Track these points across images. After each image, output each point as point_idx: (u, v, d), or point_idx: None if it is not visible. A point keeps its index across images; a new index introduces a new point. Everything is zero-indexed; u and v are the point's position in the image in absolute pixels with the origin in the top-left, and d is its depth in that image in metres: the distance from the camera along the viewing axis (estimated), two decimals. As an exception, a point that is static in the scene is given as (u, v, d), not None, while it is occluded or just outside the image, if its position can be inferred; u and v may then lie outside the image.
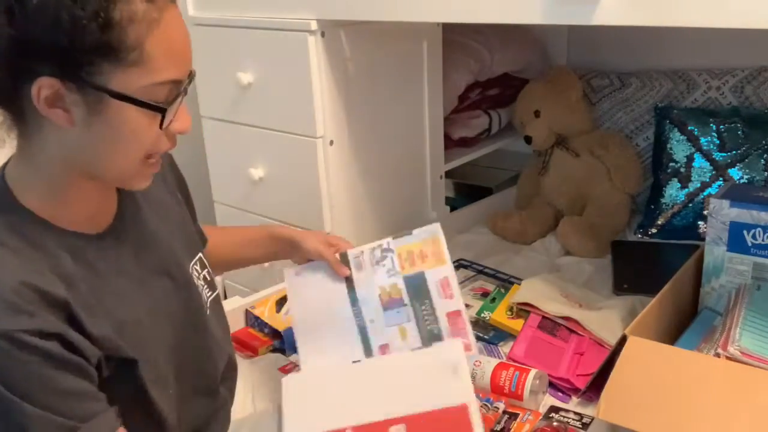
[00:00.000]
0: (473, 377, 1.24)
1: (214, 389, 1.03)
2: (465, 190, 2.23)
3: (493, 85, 2.05)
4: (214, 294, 1.05)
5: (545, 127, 1.89)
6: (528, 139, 1.91)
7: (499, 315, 1.45)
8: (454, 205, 2.03)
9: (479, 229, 1.96)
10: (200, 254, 1.03)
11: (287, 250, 1.18)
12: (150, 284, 0.90)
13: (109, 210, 0.88)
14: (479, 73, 1.96)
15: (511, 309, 1.45)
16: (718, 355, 1.08)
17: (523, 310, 1.44)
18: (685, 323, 1.28)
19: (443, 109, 1.86)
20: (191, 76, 0.80)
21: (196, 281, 0.99)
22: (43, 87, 0.71)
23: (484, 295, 1.57)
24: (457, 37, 1.92)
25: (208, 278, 1.04)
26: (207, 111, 1.74)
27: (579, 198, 1.88)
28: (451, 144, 1.96)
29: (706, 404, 1.00)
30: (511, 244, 1.87)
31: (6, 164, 0.82)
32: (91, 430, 0.76)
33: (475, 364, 1.25)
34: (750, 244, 1.24)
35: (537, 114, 1.90)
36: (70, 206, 0.81)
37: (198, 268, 1.01)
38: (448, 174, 1.96)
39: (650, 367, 1.07)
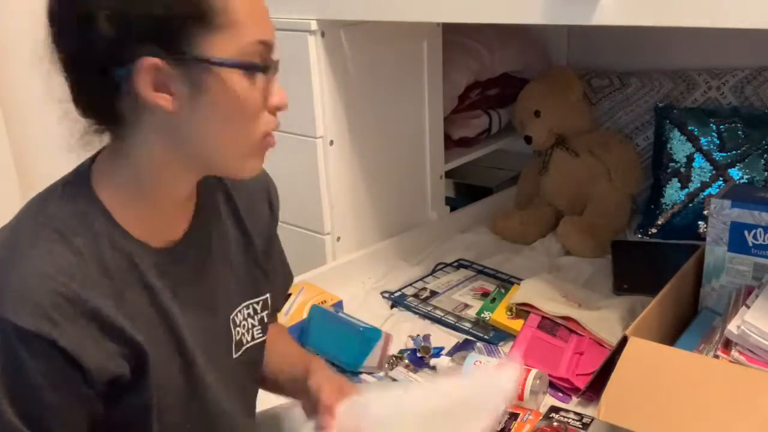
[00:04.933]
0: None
1: None
2: (465, 190, 2.23)
3: (493, 85, 2.05)
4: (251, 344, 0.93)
5: (545, 127, 1.89)
6: (528, 139, 1.91)
7: (499, 315, 1.45)
8: (454, 205, 2.03)
9: (479, 229, 1.96)
10: (263, 297, 0.94)
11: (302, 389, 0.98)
12: (190, 314, 0.83)
13: (182, 225, 0.83)
14: (479, 73, 1.96)
15: (510, 309, 1.45)
16: (716, 356, 1.08)
17: (522, 310, 1.44)
18: (685, 323, 1.28)
19: (443, 109, 1.86)
20: (272, 49, 0.76)
21: (235, 326, 0.89)
22: (145, 69, 0.69)
23: (484, 295, 1.57)
24: (457, 37, 1.92)
25: (255, 325, 0.93)
26: (207, 111, 1.74)
27: (579, 198, 1.88)
28: (451, 144, 1.96)
29: (707, 406, 1.00)
30: (511, 244, 1.87)
31: (95, 157, 0.79)
32: None
33: (475, 365, 1.25)
34: (751, 245, 1.24)
35: (537, 114, 1.90)
36: (147, 213, 0.77)
37: (249, 311, 0.92)
38: (448, 174, 1.96)
39: (651, 369, 1.07)
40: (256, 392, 0.99)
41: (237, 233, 0.91)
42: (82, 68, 0.71)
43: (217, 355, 0.87)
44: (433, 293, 1.60)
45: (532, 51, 2.10)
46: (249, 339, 0.92)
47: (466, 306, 1.54)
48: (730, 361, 1.06)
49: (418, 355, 1.37)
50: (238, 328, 0.90)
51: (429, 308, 1.54)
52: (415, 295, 1.60)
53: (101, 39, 0.68)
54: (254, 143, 0.77)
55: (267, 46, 0.74)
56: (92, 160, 0.79)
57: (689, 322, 1.27)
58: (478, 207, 2.05)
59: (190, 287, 0.82)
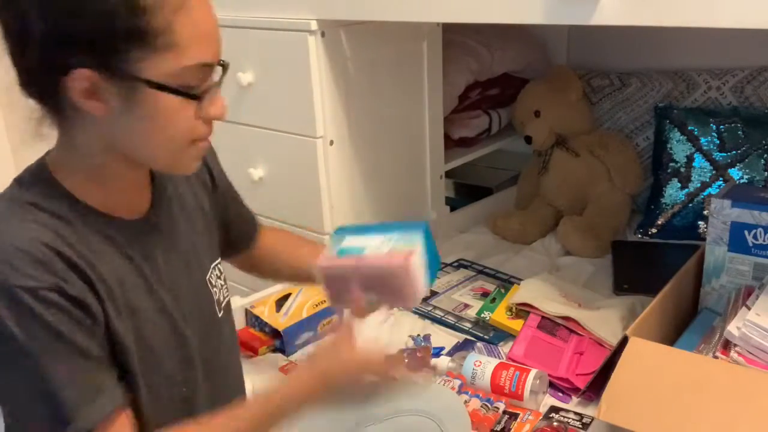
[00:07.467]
0: (473, 377, 1.24)
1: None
2: (465, 190, 2.23)
3: (493, 85, 2.05)
4: (226, 301, 1.02)
5: (545, 127, 1.89)
6: (528, 139, 1.91)
7: (499, 315, 1.45)
8: (454, 205, 2.03)
9: (479, 229, 1.96)
10: (219, 260, 1.00)
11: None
12: (173, 278, 0.89)
13: (146, 198, 0.87)
14: (479, 73, 1.96)
15: (510, 309, 1.45)
16: (716, 357, 1.08)
17: (522, 310, 1.44)
18: (685, 323, 1.28)
19: (443, 109, 1.86)
20: (225, 67, 0.79)
21: (212, 286, 0.97)
22: (78, 79, 0.71)
23: (484, 295, 1.57)
24: (457, 37, 1.92)
25: (224, 284, 1.01)
26: (207, 111, 1.74)
27: (579, 198, 1.88)
28: (451, 144, 1.96)
29: (707, 406, 1.00)
30: (511, 244, 1.87)
31: (48, 153, 0.83)
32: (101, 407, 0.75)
33: (475, 364, 1.25)
34: (751, 245, 1.24)
35: (537, 114, 1.90)
36: (108, 191, 0.81)
37: (217, 272, 0.99)
38: (448, 174, 1.96)
39: (652, 369, 1.07)
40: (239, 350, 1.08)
41: (193, 201, 0.96)
42: (26, 65, 0.74)
43: (201, 315, 0.92)
44: (433, 293, 1.60)
45: (532, 51, 2.10)
46: (224, 297, 0.99)
47: (466, 306, 1.54)
48: (729, 362, 1.06)
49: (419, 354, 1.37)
50: (215, 289, 0.97)
51: (429, 308, 1.54)
52: (415, 295, 1.60)
53: (36, 45, 0.71)
54: (182, 150, 0.80)
55: (208, 66, 0.77)
56: (45, 156, 0.82)
57: (689, 322, 1.27)
58: (478, 207, 2.05)
59: (165, 254, 0.87)
